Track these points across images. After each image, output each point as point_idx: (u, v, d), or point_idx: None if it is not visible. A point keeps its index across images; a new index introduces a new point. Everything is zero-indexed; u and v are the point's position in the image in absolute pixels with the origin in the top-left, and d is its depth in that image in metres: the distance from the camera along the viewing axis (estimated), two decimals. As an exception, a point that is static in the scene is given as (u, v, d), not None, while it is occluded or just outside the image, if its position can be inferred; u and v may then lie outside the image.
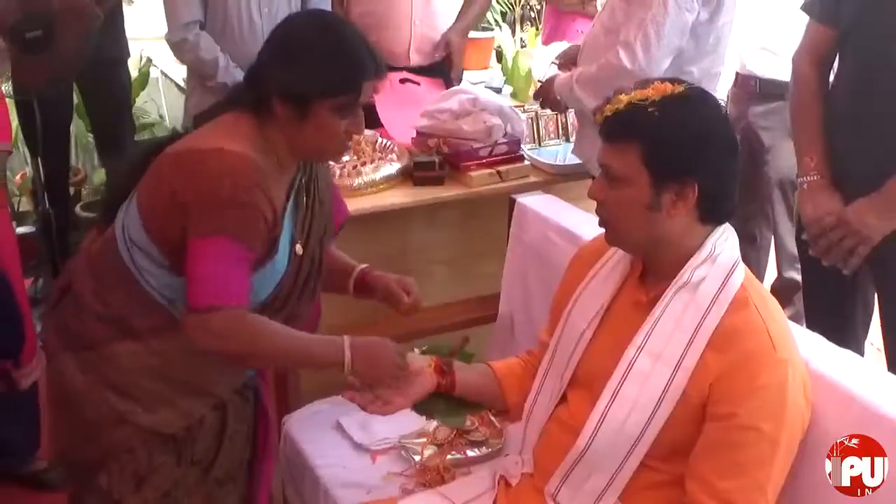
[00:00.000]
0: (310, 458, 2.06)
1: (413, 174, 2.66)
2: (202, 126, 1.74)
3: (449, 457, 2.01)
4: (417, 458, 2.01)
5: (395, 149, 2.77)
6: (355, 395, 1.74)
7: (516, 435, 1.88)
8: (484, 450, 2.04)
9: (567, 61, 2.80)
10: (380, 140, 2.83)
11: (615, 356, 1.57)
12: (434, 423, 2.04)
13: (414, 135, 2.81)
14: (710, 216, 1.54)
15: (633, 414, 1.53)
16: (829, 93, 2.23)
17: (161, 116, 4.95)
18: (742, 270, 1.55)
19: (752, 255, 3.25)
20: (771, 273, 3.41)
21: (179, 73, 4.73)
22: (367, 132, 2.88)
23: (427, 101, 2.89)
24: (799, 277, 3.07)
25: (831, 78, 2.25)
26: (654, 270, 1.60)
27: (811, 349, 1.61)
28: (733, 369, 1.47)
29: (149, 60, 4.75)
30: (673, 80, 1.54)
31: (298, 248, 1.79)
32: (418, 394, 1.78)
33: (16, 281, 2.44)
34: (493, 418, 2.11)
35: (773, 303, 1.56)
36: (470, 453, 2.03)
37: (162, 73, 4.94)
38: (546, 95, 2.74)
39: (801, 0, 2.76)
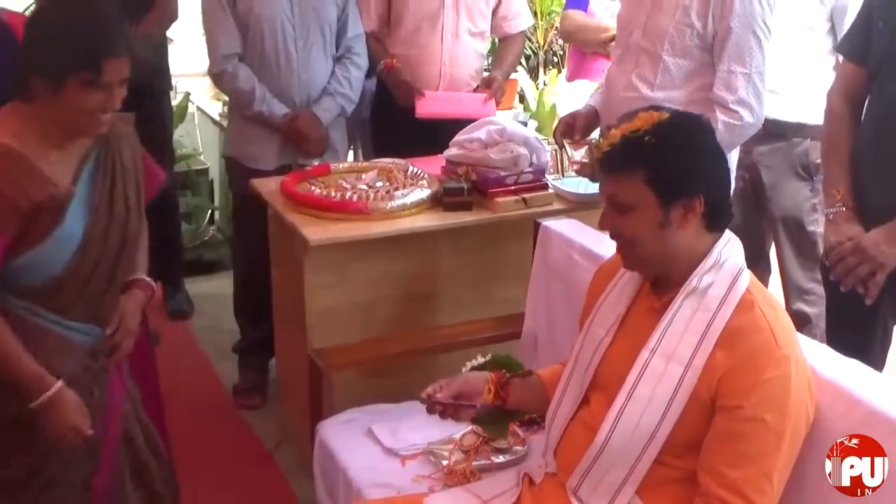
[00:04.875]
0: (342, 461, 2.17)
1: (442, 199, 2.79)
2: None
3: (475, 463, 2.12)
4: (445, 462, 2.12)
5: (426, 176, 2.92)
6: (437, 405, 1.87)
7: (539, 442, 1.99)
8: (508, 456, 2.14)
9: (572, 130, 2.86)
10: (411, 168, 2.99)
11: (631, 359, 1.69)
12: (461, 431, 2.16)
13: (445, 162, 2.95)
14: (716, 223, 1.68)
15: (647, 412, 1.64)
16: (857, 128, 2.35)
17: (195, 149, 5.14)
18: (747, 275, 1.68)
19: None
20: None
21: (215, 108, 4.95)
22: (399, 161, 3.05)
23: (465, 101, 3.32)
24: (808, 309, 3.17)
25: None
26: (665, 279, 1.72)
27: (817, 356, 1.72)
28: (739, 365, 1.58)
29: (187, 95, 4.95)
30: (655, 109, 1.69)
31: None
32: (479, 412, 1.91)
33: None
34: (517, 429, 2.23)
35: (778, 306, 1.69)
36: (495, 459, 2.13)
37: (198, 108, 5.15)
38: (568, 130, 2.85)
39: (803, 43, 2.91)
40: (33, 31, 1.84)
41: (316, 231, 2.61)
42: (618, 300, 1.81)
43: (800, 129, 3.04)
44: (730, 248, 1.69)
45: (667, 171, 1.62)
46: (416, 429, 2.24)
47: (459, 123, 3.01)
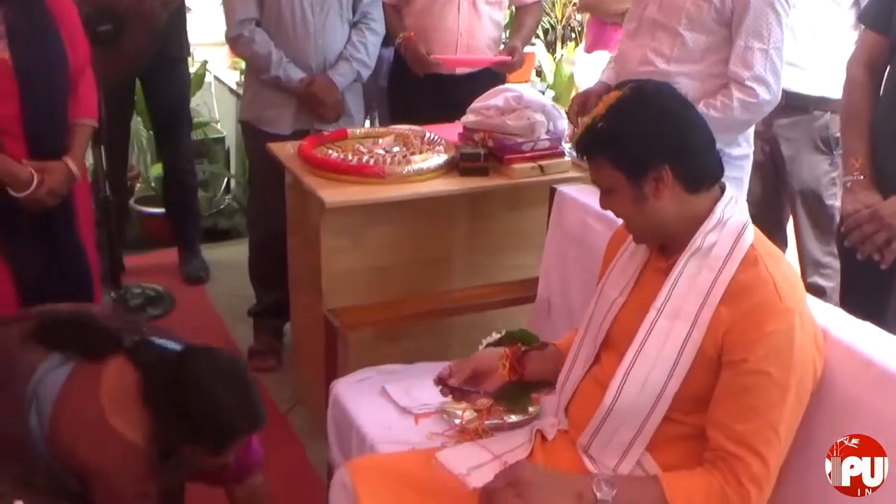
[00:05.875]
0: (356, 418, 2.19)
1: (459, 165, 2.80)
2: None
3: (487, 422, 2.13)
4: (458, 421, 2.13)
5: (443, 142, 2.92)
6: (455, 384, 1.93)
7: (552, 402, 2.01)
8: (520, 416, 2.15)
9: (585, 109, 2.82)
10: (428, 134, 2.99)
11: (640, 318, 1.71)
12: (474, 391, 2.18)
13: (461, 128, 2.95)
14: (696, 184, 1.67)
15: (655, 370, 1.66)
16: (877, 97, 2.34)
17: (212, 118, 5.15)
18: (751, 232, 1.68)
19: None
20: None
21: (232, 77, 4.96)
22: (415, 127, 3.06)
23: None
24: (823, 282, 3.17)
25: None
26: (670, 242, 1.73)
27: (830, 317, 1.73)
28: (743, 320, 1.59)
29: (204, 63, 4.96)
30: (619, 87, 1.71)
31: None
32: (494, 388, 1.95)
33: (89, 248, 2.61)
34: (530, 391, 2.24)
35: (784, 261, 1.69)
36: (507, 419, 2.14)
37: (215, 77, 5.16)
38: (582, 109, 2.84)
39: (827, 17, 2.88)
40: (202, 401, 1.85)
41: (332, 193, 2.62)
42: (629, 262, 1.83)
43: (821, 103, 3.04)
44: (732, 205, 1.70)
45: (624, 151, 1.65)
46: (429, 388, 2.22)
47: (476, 94, 3.01)
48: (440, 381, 1.94)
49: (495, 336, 2.09)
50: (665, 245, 1.75)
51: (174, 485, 2.11)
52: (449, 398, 1.99)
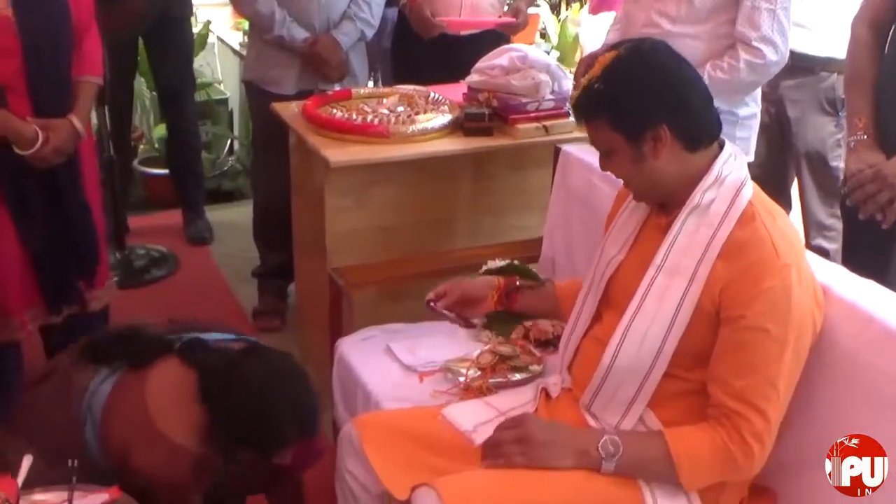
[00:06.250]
0: (361, 375, 2.20)
1: (463, 125, 2.79)
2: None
3: (491, 380, 2.15)
4: (462, 379, 2.15)
5: (447, 102, 2.92)
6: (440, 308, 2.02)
7: (555, 361, 2.02)
8: (525, 374, 2.17)
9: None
10: (432, 94, 2.98)
11: (640, 275, 1.72)
12: (478, 350, 2.20)
13: (466, 89, 2.95)
14: (695, 142, 1.67)
15: (653, 326, 1.67)
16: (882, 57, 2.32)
17: (215, 78, 5.14)
18: (750, 188, 1.68)
19: None
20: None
21: (235, 38, 4.94)
22: (420, 87, 3.05)
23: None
24: (827, 245, 3.18)
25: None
26: (670, 200, 1.73)
27: (832, 275, 1.75)
28: (740, 276, 1.60)
29: (207, 24, 4.93)
30: (614, 48, 1.70)
31: None
32: (478, 316, 2.10)
33: (95, 207, 2.61)
34: (533, 348, 2.26)
35: (782, 217, 1.69)
36: (511, 377, 2.16)
37: (218, 38, 5.14)
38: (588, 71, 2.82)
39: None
40: (253, 407, 1.82)
41: (337, 153, 2.62)
42: (629, 219, 1.84)
43: (828, 64, 3.02)
44: (731, 162, 1.69)
45: (622, 112, 1.64)
46: (433, 347, 2.27)
47: (480, 54, 3.00)
48: (429, 301, 2.00)
49: (498, 263, 2.13)
50: (664, 203, 1.75)
51: (233, 492, 2.10)
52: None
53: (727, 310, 1.61)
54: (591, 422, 1.76)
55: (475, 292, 2.01)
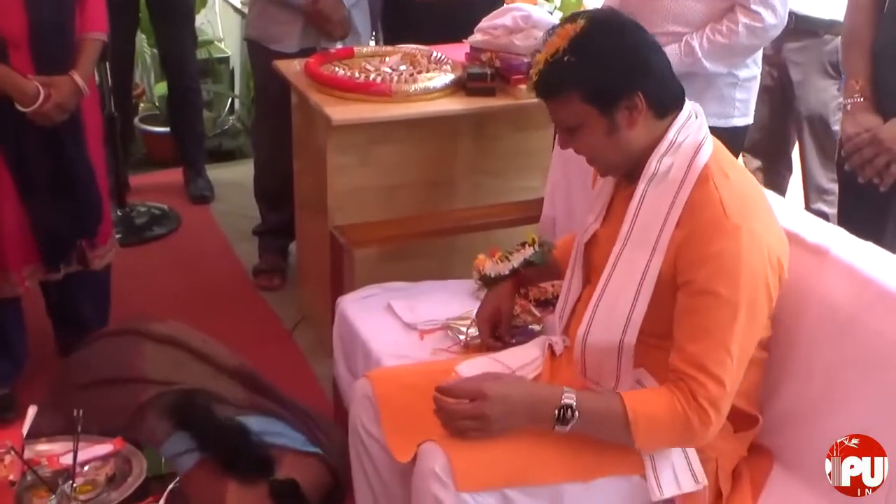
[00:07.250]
0: (362, 333, 2.22)
1: (466, 84, 2.79)
2: None
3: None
4: (462, 337, 2.17)
5: (450, 62, 2.91)
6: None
7: (554, 321, 2.04)
8: (524, 336, 2.19)
9: None
10: (434, 54, 2.97)
11: (611, 247, 1.72)
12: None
13: (468, 48, 2.93)
14: (664, 108, 1.66)
15: (619, 300, 1.66)
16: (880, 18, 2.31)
17: (216, 37, 5.10)
18: (708, 148, 1.65)
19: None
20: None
21: (236, -4, 4.90)
22: (422, 47, 3.04)
23: None
24: (827, 209, 3.18)
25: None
26: (636, 169, 1.70)
27: (830, 237, 1.76)
28: (690, 239, 1.59)
29: (208, -20, 4.89)
30: (571, 20, 1.65)
31: None
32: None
33: (98, 164, 2.61)
34: (533, 308, 2.27)
35: (739, 175, 1.67)
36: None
37: (220, -4, 5.10)
38: None
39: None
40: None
41: (339, 111, 2.62)
42: (605, 186, 1.83)
43: (832, 27, 3.00)
44: (689, 125, 1.67)
45: (596, 83, 1.61)
46: (434, 305, 2.28)
47: (478, 16, 2.97)
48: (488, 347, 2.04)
49: (495, 266, 2.14)
50: (630, 172, 1.72)
51: None
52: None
53: (681, 274, 1.60)
54: (592, 385, 1.76)
55: (506, 307, 2.09)
